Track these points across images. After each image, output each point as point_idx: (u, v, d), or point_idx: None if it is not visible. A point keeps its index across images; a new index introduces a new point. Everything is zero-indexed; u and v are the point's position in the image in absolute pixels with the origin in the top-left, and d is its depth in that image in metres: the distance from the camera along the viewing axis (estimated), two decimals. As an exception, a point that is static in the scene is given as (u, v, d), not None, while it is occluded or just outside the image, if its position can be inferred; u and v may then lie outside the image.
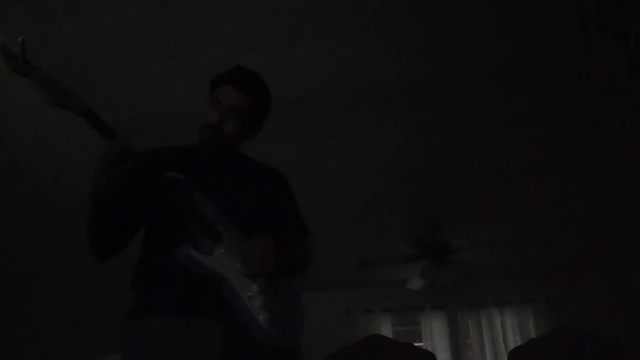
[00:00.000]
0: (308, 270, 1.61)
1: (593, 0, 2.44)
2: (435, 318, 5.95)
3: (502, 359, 5.50)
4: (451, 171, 3.98)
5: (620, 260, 5.37)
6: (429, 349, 5.47)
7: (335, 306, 5.81)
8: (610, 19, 2.56)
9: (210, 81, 1.53)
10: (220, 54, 2.55)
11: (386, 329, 5.87)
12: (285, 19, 2.46)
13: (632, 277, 5.22)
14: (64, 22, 2.34)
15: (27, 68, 1.18)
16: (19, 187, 3.23)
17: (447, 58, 2.80)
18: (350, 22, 2.52)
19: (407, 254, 4.68)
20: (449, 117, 3.34)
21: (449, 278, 5.03)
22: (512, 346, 4.95)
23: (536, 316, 5.79)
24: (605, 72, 2.95)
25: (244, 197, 1.49)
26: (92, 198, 1.28)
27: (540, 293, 5.78)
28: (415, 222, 4.75)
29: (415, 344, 4.12)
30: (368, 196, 4.28)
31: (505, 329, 5.82)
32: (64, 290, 3.66)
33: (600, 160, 3.82)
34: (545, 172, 3.97)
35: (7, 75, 1.18)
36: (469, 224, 4.83)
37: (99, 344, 3.06)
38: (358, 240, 4.99)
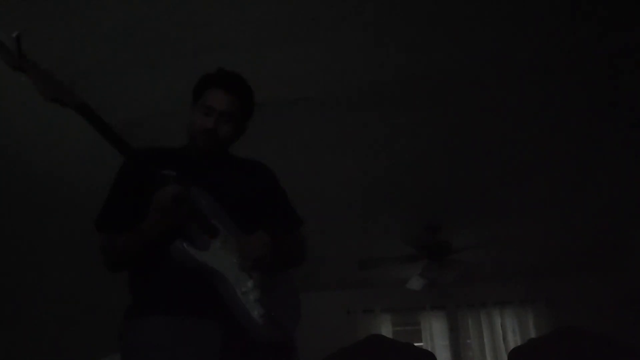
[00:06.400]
0: (305, 261, 1.62)
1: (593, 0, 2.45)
2: (435, 318, 5.95)
3: (502, 359, 5.50)
4: (451, 171, 3.98)
5: (620, 260, 5.37)
6: (429, 349, 5.46)
7: (335, 306, 5.81)
8: (610, 18, 2.55)
9: (195, 85, 1.54)
10: (220, 54, 2.55)
11: (386, 329, 5.86)
12: (286, 19, 2.46)
13: (632, 277, 5.21)
14: (64, 22, 2.34)
15: (23, 63, 1.18)
16: (18, 185, 3.23)
17: (447, 58, 2.80)
18: (351, 23, 2.52)
19: (407, 254, 4.68)
20: (448, 117, 3.34)
21: (449, 278, 5.03)
22: (512, 346, 4.95)
23: (536, 316, 5.78)
24: (605, 72, 2.95)
25: (237, 191, 1.50)
26: (144, 236, 1.33)
27: (540, 293, 5.78)
28: (415, 222, 4.75)
29: (415, 344, 4.12)
30: (368, 196, 4.27)
31: (505, 329, 5.82)
32: (64, 290, 3.65)
33: (600, 161, 3.82)
34: (545, 172, 3.97)
35: (5, 74, 1.18)
36: (469, 224, 4.83)
37: (99, 344, 3.06)
38: (358, 240, 4.99)
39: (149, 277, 1.39)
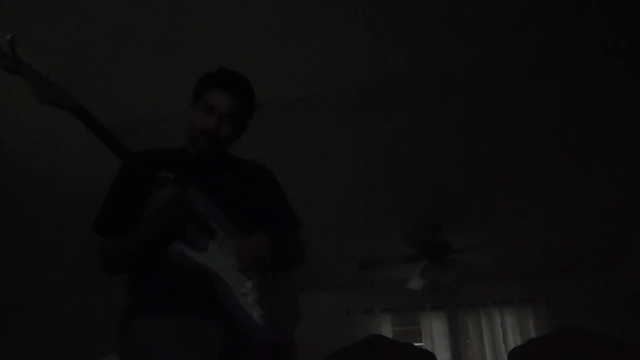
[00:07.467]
0: (303, 262, 1.61)
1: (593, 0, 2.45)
2: (435, 318, 5.95)
3: (502, 359, 5.50)
4: (451, 171, 3.98)
5: (620, 260, 5.37)
6: (429, 349, 5.47)
7: (335, 306, 5.81)
8: (610, 18, 2.55)
9: (195, 85, 1.53)
10: (220, 54, 2.55)
11: (386, 329, 5.86)
12: (285, 19, 2.46)
13: (632, 278, 5.22)
14: (64, 22, 2.34)
15: (17, 65, 1.17)
16: (17, 186, 3.23)
17: (447, 58, 2.80)
18: (350, 22, 2.52)
19: (407, 254, 4.68)
20: (448, 117, 3.34)
21: (449, 278, 5.03)
22: (512, 346, 4.95)
23: (536, 316, 5.78)
24: (605, 73, 2.95)
25: (235, 193, 1.49)
26: (140, 239, 1.33)
27: (540, 293, 5.78)
28: (415, 222, 4.75)
29: (415, 344, 4.12)
30: (368, 196, 4.27)
31: (505, 329, 5.82)
32: (64, 290, 3.65)
33: (600, 161, 3.82)
34: (545, 172, 3.97)
35: (4, 75, 1.17)
36: (469, 224, 4.83)
37: (99, 344, 3.06)
38: (358, 241, 4.99)
39: (147, 277, 1.39)
